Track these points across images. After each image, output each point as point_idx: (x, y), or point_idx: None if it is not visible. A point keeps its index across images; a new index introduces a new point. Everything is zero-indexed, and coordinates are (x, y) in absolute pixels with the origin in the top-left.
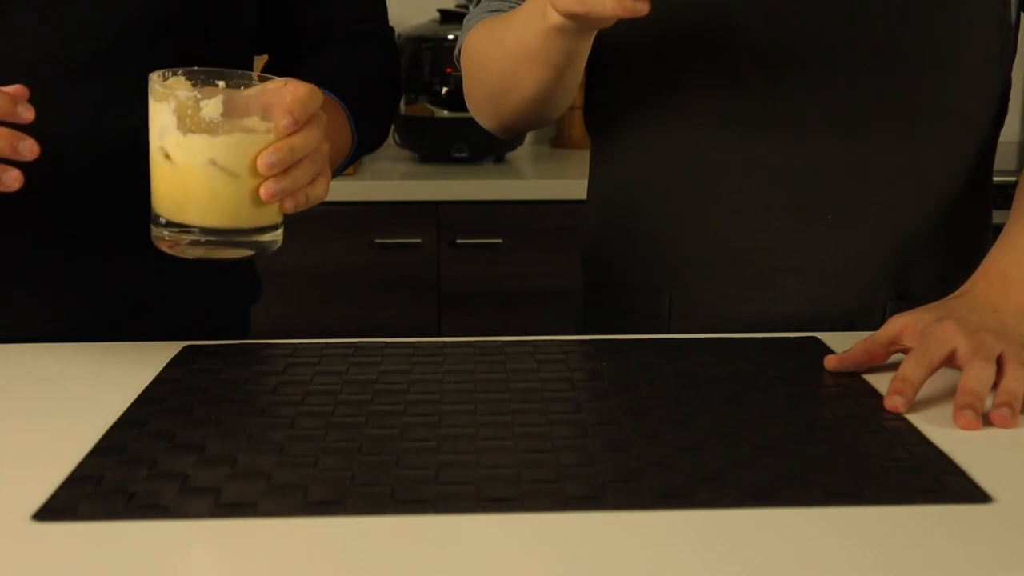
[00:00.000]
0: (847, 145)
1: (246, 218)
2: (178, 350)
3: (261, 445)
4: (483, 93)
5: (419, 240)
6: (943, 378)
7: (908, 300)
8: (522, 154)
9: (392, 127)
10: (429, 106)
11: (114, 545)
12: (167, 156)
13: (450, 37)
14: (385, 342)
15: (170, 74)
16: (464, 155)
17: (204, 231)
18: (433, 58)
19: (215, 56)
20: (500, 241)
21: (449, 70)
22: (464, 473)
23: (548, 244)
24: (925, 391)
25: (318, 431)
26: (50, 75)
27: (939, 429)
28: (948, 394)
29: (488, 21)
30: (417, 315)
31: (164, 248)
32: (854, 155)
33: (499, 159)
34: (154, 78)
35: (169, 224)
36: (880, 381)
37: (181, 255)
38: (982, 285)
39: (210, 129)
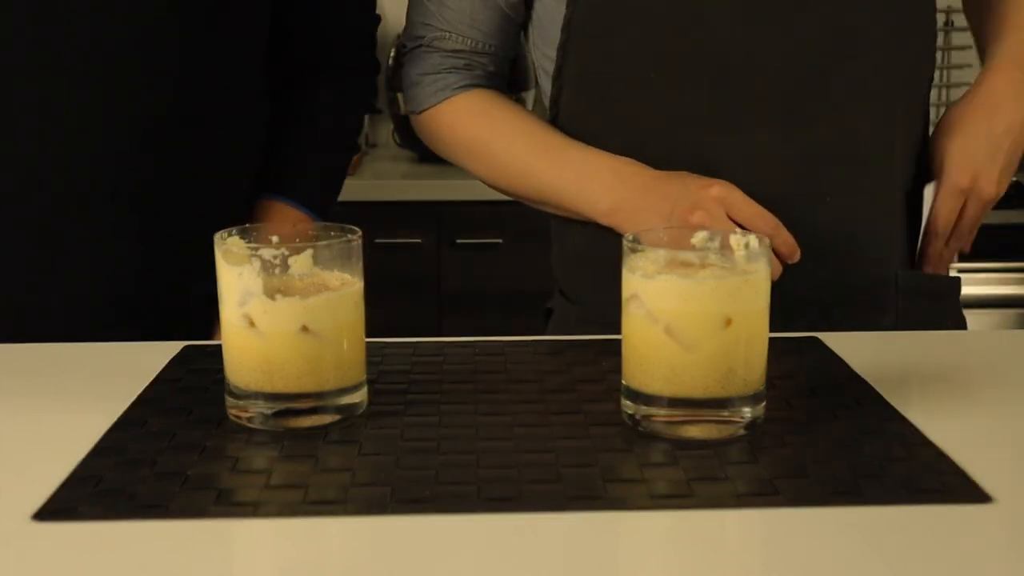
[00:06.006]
0: (832, 128)
1: (333, 380)
2: (178, 350)
3: (261, 445)
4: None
5: (419, 240)
6: (945, 378)
7: (917, 267)
8: None
9: (392, 127)
10: None
11: (114, 545)
12: (251, 323)
13: None
14: (385, 342)
15: (227, 235)
16: None
17: (292, 398)
18: None
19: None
20: (500, 241)
21: None
22: (464, 473)
23: (548, 244)
24: (925, 391)
25: (318, 431)
26: (77, 69)
27: (939, 429)
28: (948, 393)
29: (496, 121)
30: (417, 315)
31: (245, 422)
32: (839, 137)
33: None
34: (218, 240)
35: (249, 395)
36: (880, 381)
37: (259, 427)
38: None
39: (301, 290)
